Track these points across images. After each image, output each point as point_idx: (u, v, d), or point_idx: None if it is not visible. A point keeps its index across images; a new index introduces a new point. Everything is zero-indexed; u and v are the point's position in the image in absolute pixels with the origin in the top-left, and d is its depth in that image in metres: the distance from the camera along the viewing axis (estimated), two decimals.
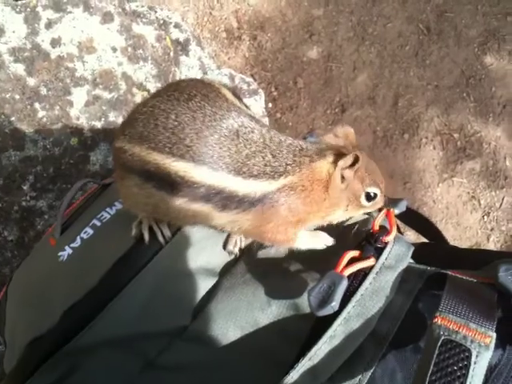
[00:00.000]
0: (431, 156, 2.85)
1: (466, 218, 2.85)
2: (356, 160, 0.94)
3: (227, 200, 0.91)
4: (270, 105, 2.75)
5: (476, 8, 2.91)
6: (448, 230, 2.82)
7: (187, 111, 0.91)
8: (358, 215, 1.05)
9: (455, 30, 2.88)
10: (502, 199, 2.86)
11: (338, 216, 1.02)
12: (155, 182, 0.91)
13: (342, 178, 0.97)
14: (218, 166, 0.90)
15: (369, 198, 1.00)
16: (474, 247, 2.79)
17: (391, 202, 1.02)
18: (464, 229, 2.84)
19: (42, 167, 1.71)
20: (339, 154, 0.96)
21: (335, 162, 0.96)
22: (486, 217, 2.84)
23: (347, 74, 2.81)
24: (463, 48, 2.87)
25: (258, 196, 0.92)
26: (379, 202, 1.03)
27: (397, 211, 1.00)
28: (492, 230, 2.84)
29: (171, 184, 0.90)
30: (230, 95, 0.99)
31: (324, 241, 1.01)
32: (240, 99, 1.03)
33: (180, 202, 0.91)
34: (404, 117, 2.84)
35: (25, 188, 1.70)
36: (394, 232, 0.92)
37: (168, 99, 0.93)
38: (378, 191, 1.01)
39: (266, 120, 1.85)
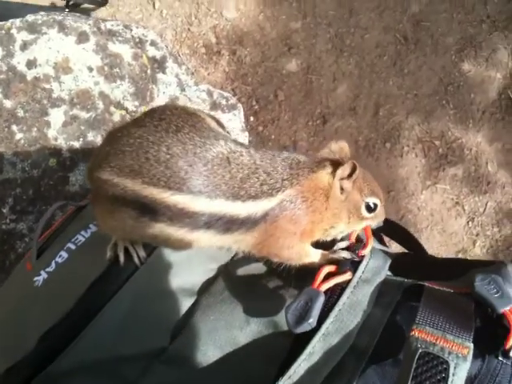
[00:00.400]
0: (414, 164, 2.87)
1: (450, 224, 2.86)
2: (354, 169, 0.95)
3: (229, 224, 0.93)
4: (252, 118, 2.76)
5: (452, 16, 2.95)
6: (434, 236, 2.83)
7: (178, 143, 0.92)
8: (359, 228, 1.06)
9: (432, 39, 2.91)
10: (486, 204, 2.88)
11: (341, 229, 1.02)
12: (152, 215, 0.91)
13: (341, 189, 0.98)
14: (215, 194, 0.91)
15: (369, 208, 1.01)
16: (461, 253, 2.81)
17: None
18: (449, 235, 2.85)
19: (21, 189, 1.69)
20: (337, 164, 0.98)
21: (334, 172, 0.97)
22: (470, 222, 2.86)
23: (327, 85, 2.83)
24: (440, 56, 2.90)
25: (260, 215, 0.93)
26: (380, 213, 1.04)
27: (374, 225, 1.01)
28: (477, 235, 2.86)
29: (170, 216, 0.90)
30: (214, 124, 1.01)
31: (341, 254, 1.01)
32: (223, 127, 1.05)
33: (181, 232, 0.92)
34: (385, 126, 2.86)
35: (4, 211, 1.68)
36: (370, 245, 0.92)
37: (156, 130, 0.94)
38: (377, 201, 1.02)
39: (245, 134, 1.85)
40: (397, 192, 2.84)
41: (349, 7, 2.90)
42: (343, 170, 0.95)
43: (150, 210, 0.90)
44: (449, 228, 2.82)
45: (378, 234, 1.19)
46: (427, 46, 2.91)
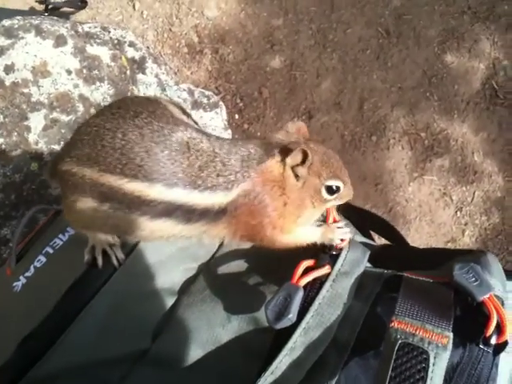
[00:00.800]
0: (400, 156, 2.87)
1: (439, 214, 2.87)
2: (305, 155, 0.91)
3: (189, 214, 0.90)
4: (237, 116, 2.75)
5: (433, 9, 2.96)
6: (423, 227, 2.84)
7: (134, 129, 0.89)
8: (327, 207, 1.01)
9: (414, 32, 2.92)
10: (473, 193, 2.88)
11: (309, 216, 0.98)
12: (111, 204, 0.90)
13: (297, 176, 0.94)
14: (172, 182, 0.88)
15: (331, 191, 0.96)
16: (450, 243, 2.81)
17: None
18: (438, 225, 2.85)
19: (4, 195, 1.68)
20: (286, 151, 0.93)
21: (283, 161, 0.93)
22: (458, 212, 2.86)
23: (311, 81, 2.83)
24: (423, 48, 2.91)
25: (217, 209, 0.91)
26: (345, 193, 0.99)
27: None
28: (466, 224, 2.87)
29: (128, 204, 0.89)
30: (177, 111, 0.98)
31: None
32: (188, 115, 1.02)
33: (141, 219, 0.90)
34: (370, 119, 2.86)
35: None
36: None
37: (113, 117, 0.92)
38: (339, 183, 0.97)
39: (228, 132, 1.85)
40: (384, 184, 2.85)
41: (330, 3, 2.89)
42: (293, 158, 0.90)
43: (109, 199, 0.89)
44: (437, 218, 2.83)
45: (363, 227, 1.18)
46: (410, 39, 2.92)
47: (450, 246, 2.74)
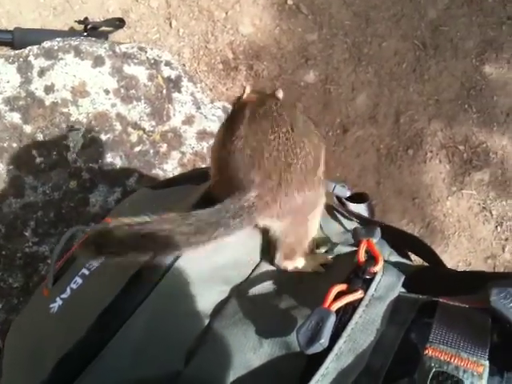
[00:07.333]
0: (438, 170, 2.82)
1: (478, 229, 2.79)
2: None
3: None
4: None
5: (470, 20, 2.91)
6: (462, 243, 2.77)
7: None
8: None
9: (451, 43, 2.87)
10: None
11: None
12: None
13: None
14: None
15: None
16: (490, 259, 2.74)
17: (366, 232, 0.98)
18: (478, 241, 2.78)
19: (43, 212, 1.73)
20: None
21: None
22: (499, 227, 2.79)
23: (346, 95, 2.81)
24: (461, 60, 2.86)
25: None
26: None
27: (375, 240, 0.98)
28: (507, 239, 2.79)
29: None
30: None
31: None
32: None
33: None
34: (407, 133, 2.83)
35: (27, 234, 1.71)
36: (382, 261, 0.90)
37: None
38: None
39: None
40: (422, 199, 2.79)
41: (365, 16, 2.88)
42: None
43: None
44: (477, 234, 2.76)
45: (398, 246, 1.16)
46: (447, 51, 2.87)
47: (489, 262, 2.66)
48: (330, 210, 1.20)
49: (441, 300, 0.84)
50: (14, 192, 1.71)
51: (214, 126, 1.78)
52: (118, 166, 1.75)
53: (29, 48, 1.79)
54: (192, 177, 1.19)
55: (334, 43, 2.85)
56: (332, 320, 0.82)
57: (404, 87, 2.85)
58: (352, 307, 0.86)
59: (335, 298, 0.86)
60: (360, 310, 0.85)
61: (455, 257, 2.66)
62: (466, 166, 2.79)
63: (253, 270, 1.04)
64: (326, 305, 0.85)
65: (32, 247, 1.69)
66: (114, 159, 1.77)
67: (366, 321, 0.85)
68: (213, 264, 1.01)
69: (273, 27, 2.83)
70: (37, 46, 1.78)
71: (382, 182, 2.78)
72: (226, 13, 2.81)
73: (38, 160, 1.73)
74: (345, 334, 0.83)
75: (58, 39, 1.81)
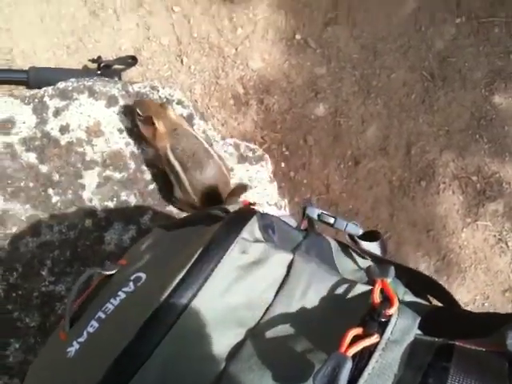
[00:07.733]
0: (451, 201, 2.81)
1: (495, 261, 2.77)
2: None
3: None
4: (283, 164, 2.78)
5: (478, 50, 2.94)
6: (478, 276, 2.74)
7: None
8: None
9: (460, 74, 2.90)
10: None
11: None
12: None
13: None
14: None
15: None
16: (508, 292, 2.70)
17: (381, 271, 0.97)
18: (495, 273, 2.75)
19: (59, 251, 1.74)
20: None
21: None
22: None
23: (356, 127, 2.84)
24: (470, 91, 2.88)
25: None
26: None
27: (389, 279, 0.97)
28: None
29: None
30: None
31: None
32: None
33: None
34: (419, 164, 2.83)
35: (43, 273, 1.72)
36: (397, 303, 0.89)
37: None
38: None
39: (274, 184, 1.86)
40: (436, 231, 2.78)
41: (372, 49, 2.92)
42: None
43: None
44: (493, 266, 2.73)
45: (413, 286, 1.15)
46: (455, 82, 2.89)
47: (507, 295, 2.63)
48: (343, 247, 1.20)
49: (457, 343, 0.83)
50: (31, 231, 1.73)
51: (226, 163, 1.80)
52: (132, 204, 1.77)
53: (44, 89, 1.83)
54: (205, 217, 1.20)
55: (343, 76, 2.89)
56: (348, 366, 0.81)
57: (414, 118, 2.87)
58: (368, 352, 0.85)
59: (351, 343, 0.85)
60: (376, 355, 0.84)
61: (472, 290, 2.63)
62: (480, 197, 2.78)
63: (265, 312, 1.03)
64: (343, 350, 0.84)
65: (48, 286, 1.70)
66: (128, 197, 1.79)
67: (383, 365, 0.84)
68: (226, 304, 1.01)
69: (282, 62, 2.88)
70: (52, 87, 1.82)
71: (396, 214, 2.78)
72: (236, 49, 2.87)
73: (54, 199, 1.75)
74: (361, 380, 0.82)
75: (73, 80, 1.85)
